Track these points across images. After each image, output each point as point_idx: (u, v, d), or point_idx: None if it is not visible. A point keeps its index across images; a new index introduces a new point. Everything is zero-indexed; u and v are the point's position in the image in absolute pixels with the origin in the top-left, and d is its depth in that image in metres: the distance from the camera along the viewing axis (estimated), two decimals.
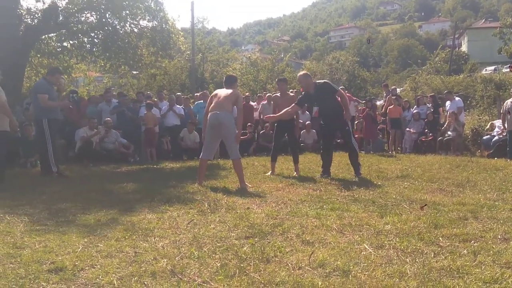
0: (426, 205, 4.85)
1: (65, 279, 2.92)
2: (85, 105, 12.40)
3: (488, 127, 12.56)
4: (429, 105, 13.44)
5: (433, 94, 15.00)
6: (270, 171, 7.86)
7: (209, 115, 6.45)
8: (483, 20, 71.00)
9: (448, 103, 12.83)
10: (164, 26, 14.41)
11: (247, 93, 16.71)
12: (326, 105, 7.52)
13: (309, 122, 13.37)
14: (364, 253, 3.36)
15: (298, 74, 7.99)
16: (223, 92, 6.60)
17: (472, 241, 3.63)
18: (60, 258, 3.31)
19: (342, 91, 7.46)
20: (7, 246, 3.62)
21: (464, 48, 60.05)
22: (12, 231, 4.09)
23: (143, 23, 14.39)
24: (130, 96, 17.58)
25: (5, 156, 7.45)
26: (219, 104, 6.42)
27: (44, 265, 3.17)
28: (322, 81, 7.76)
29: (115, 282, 2.86)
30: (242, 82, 32.11)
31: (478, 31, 60.89)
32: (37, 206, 5.31)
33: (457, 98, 13.15)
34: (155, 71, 25.45)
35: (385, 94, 14.21)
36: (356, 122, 13.38)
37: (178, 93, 14.55)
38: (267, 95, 14.28)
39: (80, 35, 14.29)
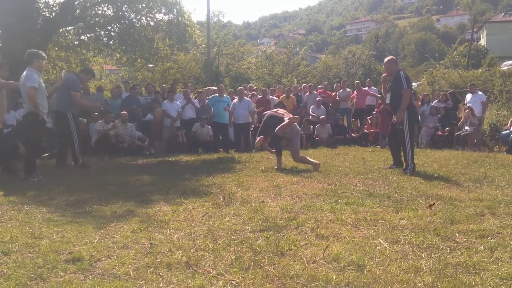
0: (434, 203, 4.76)
1: (82, 269, 2.97)
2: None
3: (508, 125, 12.30)
4: (448, 102, 13.21)
5: (452, 90, 14.77)
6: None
7: None
8: (503, 13, 69.45)
9: (469, 96, 12.58)
10: (180, 19, 14.43)
11: (264, 88, 16.62)
12: (393, 96, 7.53)
13: (323, 116, 13.32)
14: (379, 247, 3.35)
15: (385, 59, 7.88)
16: None
17: (489, 237, 3.59)
18: (77, 249, 3.37)
19: (407, 93, 7.20)
20: (26, 236, 3.69)
21: (483, 42, 58.85)
22: (31, 222, 4.16)
23: (159, 16, 14.46)
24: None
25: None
26: None
27: (62, 255, 3.23)
28: (402, 73, 7.52)
29: (131, 273, 2.90)
30: (257, 76, 32.08)
31: (497, 24, 59.65)
32: (55, 197, 5.40)
33: (480, 93, 12.86)
34: (171, 65, 25.50)
35: None
36: (370, 116, 13.31)
37: (200, 90, 14.32)
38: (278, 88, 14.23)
39: (97, 28, 14.41)
